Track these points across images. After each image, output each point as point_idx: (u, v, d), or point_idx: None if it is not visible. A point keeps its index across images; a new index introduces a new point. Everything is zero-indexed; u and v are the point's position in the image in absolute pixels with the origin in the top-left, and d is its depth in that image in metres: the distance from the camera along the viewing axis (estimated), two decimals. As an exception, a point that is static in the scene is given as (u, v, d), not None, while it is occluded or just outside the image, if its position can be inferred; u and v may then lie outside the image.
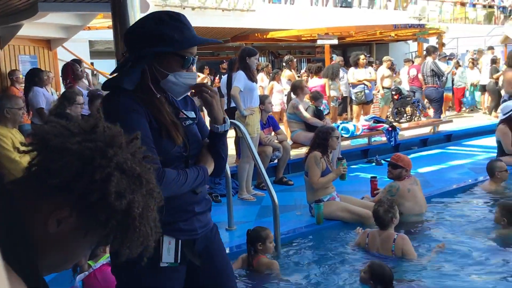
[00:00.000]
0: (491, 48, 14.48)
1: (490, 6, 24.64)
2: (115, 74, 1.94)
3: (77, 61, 7.14)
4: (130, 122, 1.77)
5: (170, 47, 1.84)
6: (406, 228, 4.78)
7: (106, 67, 11.16)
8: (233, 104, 6.19)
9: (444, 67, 11.01)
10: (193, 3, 11.84)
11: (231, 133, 7.33)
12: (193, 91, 1.99)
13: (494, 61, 13.00)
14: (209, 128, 2.05)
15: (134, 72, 1.86)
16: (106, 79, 2.11)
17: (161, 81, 1.89)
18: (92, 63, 12.27)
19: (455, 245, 4.34)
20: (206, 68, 12.69)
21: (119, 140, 0.99)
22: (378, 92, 11.48)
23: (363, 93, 9.82)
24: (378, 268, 3.46)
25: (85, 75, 7.36)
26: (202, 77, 12.43)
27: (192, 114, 2.02)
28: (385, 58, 12.10)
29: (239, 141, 6.28)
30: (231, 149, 7.22)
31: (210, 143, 2.03)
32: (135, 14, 3.79)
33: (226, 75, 6.83)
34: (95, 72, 11.48)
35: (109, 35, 7.33)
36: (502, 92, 9.17)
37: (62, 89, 7.25)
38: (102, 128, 0.99)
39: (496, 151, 7.20)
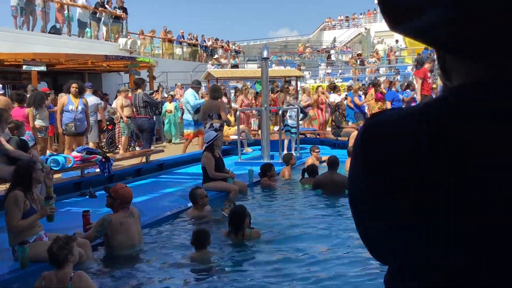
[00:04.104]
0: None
1: (194, 45, 27.07)
2: None
3: None
4: None
5: None
6: (118, 262, 4.72)
7: None
8: None
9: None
10: None
11: None
12: None
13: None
14: None
15: None
16: None
17: None
18: None
19: (159, 275, 4.49)
20: None
21: None
22: (119, 122, 11.38)
23: (73, 124, 9.42)
24: None
25: None
26: None
27: None
28: (122, 88, 12.03)
29: None
30: None
31: None
32: None
33: None
34: None
35: None
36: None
37: None
38: None
39: (202, 177, 7.83)
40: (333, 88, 16.59)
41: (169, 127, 15.14)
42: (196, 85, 12.11)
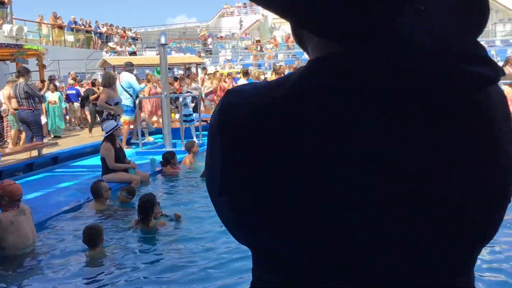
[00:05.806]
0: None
1: (88, 31, 25.83)
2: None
3: None
4: None
5: None
6: (12, 265, 4.40)
7: None
8: None
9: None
10: None
11: None
12: None
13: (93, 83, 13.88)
14: None
15: None
16: None
17: None
18: None
19: (55, 275, 4.27)
20: None
21: None
22: (7, 115, 10.58)
23: None
24: None
25: None
26: None
27: None
28: (10, 78, 11.04)
29: None
30: None
31: None
32: None
33: None
34: None
35: None
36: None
37: None
38: None
39: (101, 169, 7.52)
40: (245, 73, 16.48)
41: (53, 120, 13.67)
42: (130, 67, 11.54)
